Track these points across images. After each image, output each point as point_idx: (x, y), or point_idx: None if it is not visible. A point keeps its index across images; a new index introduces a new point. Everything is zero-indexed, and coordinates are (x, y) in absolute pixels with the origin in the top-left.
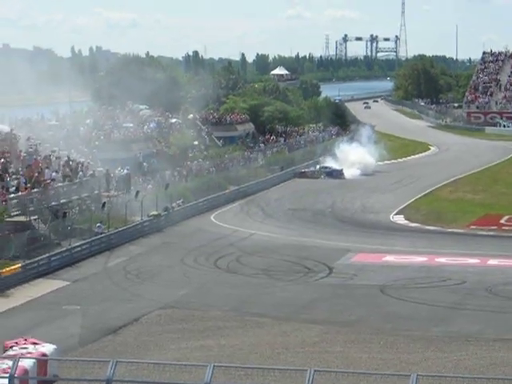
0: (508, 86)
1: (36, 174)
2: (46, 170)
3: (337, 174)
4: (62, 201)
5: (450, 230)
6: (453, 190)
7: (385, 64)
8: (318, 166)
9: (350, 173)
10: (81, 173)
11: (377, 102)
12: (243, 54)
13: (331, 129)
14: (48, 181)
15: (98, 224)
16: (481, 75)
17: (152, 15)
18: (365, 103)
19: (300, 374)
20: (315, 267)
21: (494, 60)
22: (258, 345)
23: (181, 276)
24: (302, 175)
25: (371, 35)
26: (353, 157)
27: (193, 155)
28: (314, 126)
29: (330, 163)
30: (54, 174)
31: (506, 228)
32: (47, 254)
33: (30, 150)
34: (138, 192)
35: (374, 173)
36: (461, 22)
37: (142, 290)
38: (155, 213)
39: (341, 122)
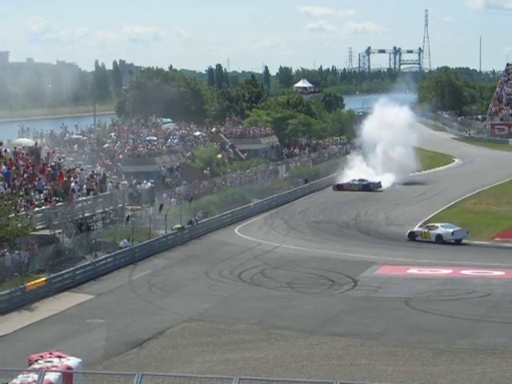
0: None
1: (60, 188)
2: (71, 184)
3: (373, 186)
4: (86, 214)
5: (474, 243)
6: (477, 202)
7: (408, 76)
8: (357, 178)
9: (386, 180)
10: (105, 186)
11: None
12: (266, 67)
13: (355, 141)
14: (72, 194)
15: (125, 240)
16: (505, 87)
17: (173, 28)
18: None
19: None
20: (340, 280)
21: None
22: (283, 358)
23: (205, 289)
24: (340, 187)
25: (394, 47)
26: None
27: (217, 168)
28: (338, 138)
29: (362, 173)
30: (78, 187)
31: None
32: (72, 268)
33: (55, 163)
34: (161, 205)
35: (409, 180)
36: (483, 34)
37: (167, 303)
38: (179, 226)
39: None
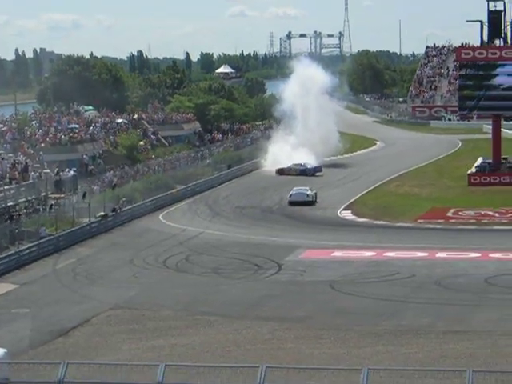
0: (452, 80)
1: None
2: None
3: (312, 171)
4: (9, 204)
5: (397, 225)
6: (399, 184)
7: (329, 60)
8: (301, 163)
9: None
10: (28, 175)
11: None
12: (188, 53)
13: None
14: None
15: (42, 228)
16: (425, 69)
17: (93, 16)
18: None
19: (252, 370)
20: (264, 264)
21: (437, 54)
22: (210, 343)
23: (130, 276)
24: (281, 172)
25: (315, 32)
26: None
27: (139, 155)
28: (260, 123)
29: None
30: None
31: (453, 221)
32: None
33: None
34: (85, 193)
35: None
36: (403, 17)
37: (92, 292)
38: (103, 214)
39: None
